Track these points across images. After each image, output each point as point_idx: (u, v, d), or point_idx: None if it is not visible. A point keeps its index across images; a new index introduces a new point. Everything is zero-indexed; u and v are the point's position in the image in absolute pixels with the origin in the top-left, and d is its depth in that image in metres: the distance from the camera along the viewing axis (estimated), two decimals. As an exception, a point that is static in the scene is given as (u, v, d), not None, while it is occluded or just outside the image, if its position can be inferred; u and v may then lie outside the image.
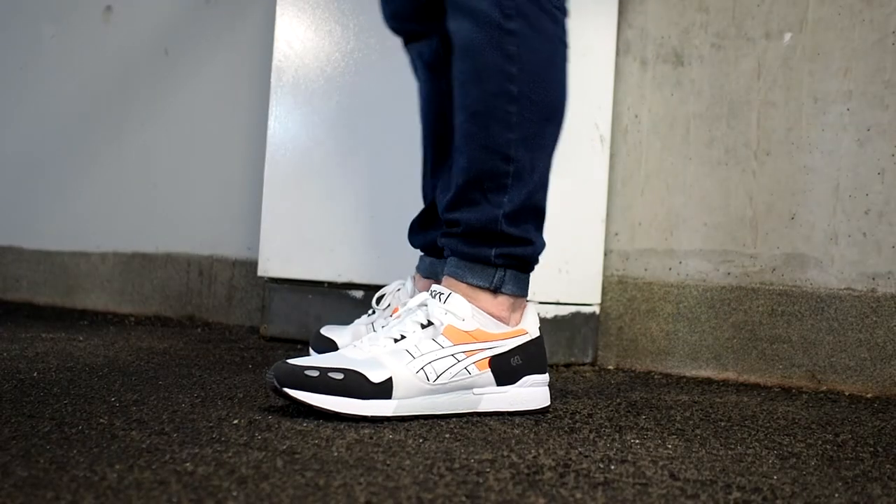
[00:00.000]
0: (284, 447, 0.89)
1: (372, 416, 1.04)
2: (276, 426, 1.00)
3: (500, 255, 1.14)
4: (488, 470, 0.84)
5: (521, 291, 1.16)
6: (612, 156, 1.76)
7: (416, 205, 1.48)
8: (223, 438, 0.92)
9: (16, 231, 2.72)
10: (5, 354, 1.45)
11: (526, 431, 1.04)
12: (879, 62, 1.54)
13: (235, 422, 1.01)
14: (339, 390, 1.03)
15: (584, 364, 1.72)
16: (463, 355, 1.10)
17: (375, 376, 1.05)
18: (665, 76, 1.72)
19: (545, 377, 1.17)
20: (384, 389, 1.05)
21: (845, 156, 1.56)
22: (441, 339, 1.10)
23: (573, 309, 1.69)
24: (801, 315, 1.57)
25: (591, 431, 1.06)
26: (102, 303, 2.48)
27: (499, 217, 1.13)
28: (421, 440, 0.96)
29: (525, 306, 1.17)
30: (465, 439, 0.98)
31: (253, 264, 2.13)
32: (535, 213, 1.16)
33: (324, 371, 1.04)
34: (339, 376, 1.04)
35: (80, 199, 2.57)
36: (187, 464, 0.81)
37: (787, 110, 1.61)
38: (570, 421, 1.12)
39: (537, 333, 1.16)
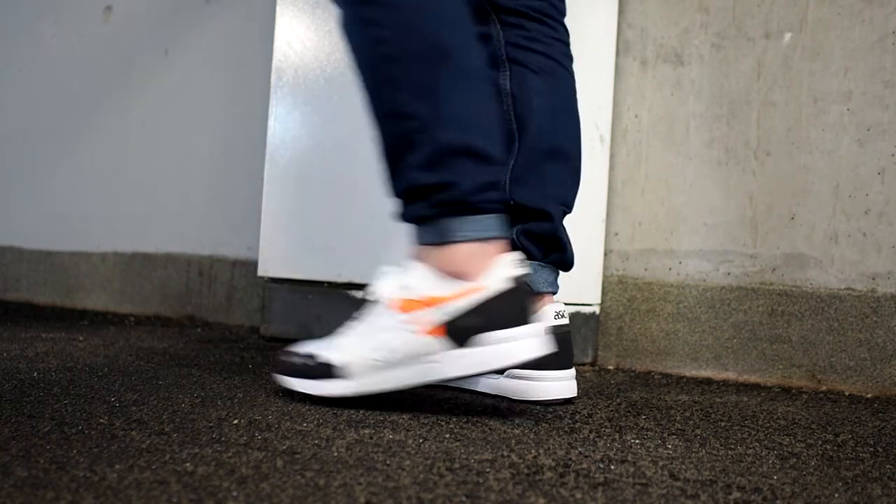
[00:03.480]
0: (284, 447, 0.89)
1: (331, 396, 1.12)
2: (276, 426, 1.00)
3: (429, 206, 1.12)
4: (488, 470, 0.84)
5: (478, 235, 1.10)
6: (612, 156, 1.76)
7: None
8: (223, 438, 0.92)
9: (16, 231, 2.72)
10: (5, 354, 1.45)
11: (526, 431, 1.04)
12: (879, 62, 1.54)
13: (235, 422, 1.01)
14: (304, 373, 1.14)
15: (584, 364, 1.72)
16: (414, 325, 1.09)
17: (332, 359, 1.12)
18: (665, 76, 1.72)
19: (518, 331, 1.08)
20: (340, 370, 1.12)
21: (845, 156, 1.56)
22: (394, 313, 1.10)
23: (573, 309, 1.69)
24: (801, 315, 1.57)
25: (591, 431, 1.06)
26: (102, 303, 2.48)
27: (411, 173, 1.13)
28: (421, 440, 0.96)
29: (497, 256, 1.11)
30: (465, 439, 0.98)
31: (253, 264, 2.13)
32: (449, 154, 1.10)
33: (293, 354, 1.16)
34: (311, 362, 1.14)
35: (80, 199, 2.57)
36: (187, 464, 0.81)
37: (787, 110, 1.61)
38: (570, 421, 1.12)
39: (502, 287, 1.08)
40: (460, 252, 1.11)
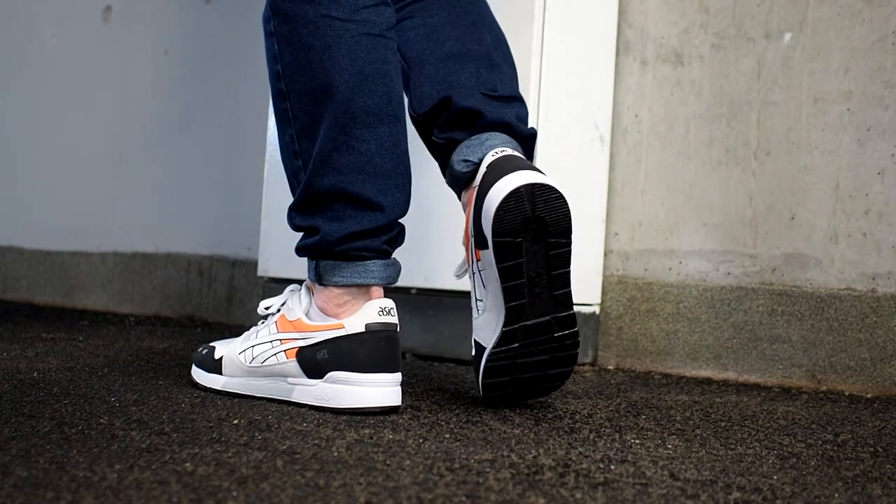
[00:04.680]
0: (284, 447, 0.89)
1: (206, 387, 1.21)
2: (276, 426, 1.00)
3: (299, 249, 1.17)
4: (488, 470, 0.84)
5: (346, 281, 1.13)
6: (612, 156, 1.76)
7: (415, 203, 1.47)
8: (223, 438, 0.92)
9: (16, 231, 2.72)
10: (5, 354, 1.46)
11: (526, 431, 1.04)
12: (879, 62, 1.54)
13: (235, 422, 1.01)
14: (198, 362, 1.24)
15: (584, 364, 1.72)
16: (279, 343, 1.16)
17: (217, 353, 1.21)
18: (665, 76, 1.72)
19: (361, 377, 1.10)
20: (219, 366, 1.21)
21: (845, 156, 1.56)
22: (272, 327, 1.18)
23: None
24: (801, 315, 1.57)
25: (591, 431, 1.06)
26: (102, 303, 2.48)
27: (291, 212, 1.17)
28: (421, 440, 0.96)
29: (368, 301, 1.12)
30: (465, 439, 0.98)
31: (253, 264, 2.13)
32: (321, 198, 1.13)
33: (205, 346, 1.25)
34: (204, 351, 1.23)
35: (80, 199, 2.57)
36: (187, 464, 0.81)
37: (787, 110, 1.61)
38: (570, 421, 1.12)
39: (359, 329, 1.10)
40: (332, 294, 1.14)
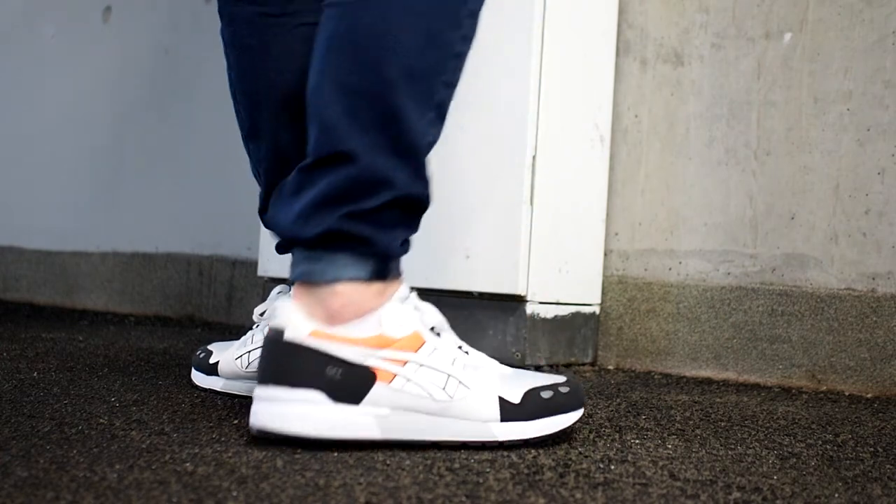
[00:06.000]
0: (284, 447, 0.89)
1: (204, 388, 1.22)
2: (276, 426, 1.00)
3: (279, 247, 1.17)
4: (488, 470, 0.84)
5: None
6: (612, 156, 1.76)
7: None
8: (223, 438, 0.92)
9: (16, 231, 2.72)
10: (5, 354, 1.46)
11: (526, 431, 1.04)
12: (879, 62, 1.54)
13: (235, 422, 1.01)
14: (196, 365, 1.25)
15: (584, 364, 1.72)
16: None
17: (213, 358, 1.23)
18: (665, 76, 1.72)
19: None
20: (215, 370, 1.22)
21: (845, 156, 1.56)
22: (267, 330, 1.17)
23: (573, 309, 1.69)
24: (801, 315, 1.57)
25: (591, 431, 1.06)
26: (102, 303, 2.48)
27: (260, 214, 1.24)
28: (421, 440, 0.96)
29: None
30: (465, 439, 0.98)
31: (253, 264, 2.13)
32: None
33: (201, 350, 1.26)
34: (202, 355, 1.25)
35: (80, 199, 2.57)
36: (187, 464, 0.81)
37: (787, 110, 1.61)
38: (570, 421, 1.12)
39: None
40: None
